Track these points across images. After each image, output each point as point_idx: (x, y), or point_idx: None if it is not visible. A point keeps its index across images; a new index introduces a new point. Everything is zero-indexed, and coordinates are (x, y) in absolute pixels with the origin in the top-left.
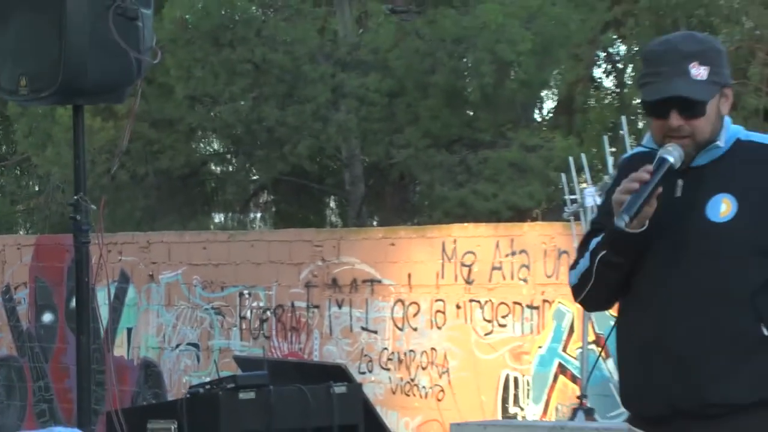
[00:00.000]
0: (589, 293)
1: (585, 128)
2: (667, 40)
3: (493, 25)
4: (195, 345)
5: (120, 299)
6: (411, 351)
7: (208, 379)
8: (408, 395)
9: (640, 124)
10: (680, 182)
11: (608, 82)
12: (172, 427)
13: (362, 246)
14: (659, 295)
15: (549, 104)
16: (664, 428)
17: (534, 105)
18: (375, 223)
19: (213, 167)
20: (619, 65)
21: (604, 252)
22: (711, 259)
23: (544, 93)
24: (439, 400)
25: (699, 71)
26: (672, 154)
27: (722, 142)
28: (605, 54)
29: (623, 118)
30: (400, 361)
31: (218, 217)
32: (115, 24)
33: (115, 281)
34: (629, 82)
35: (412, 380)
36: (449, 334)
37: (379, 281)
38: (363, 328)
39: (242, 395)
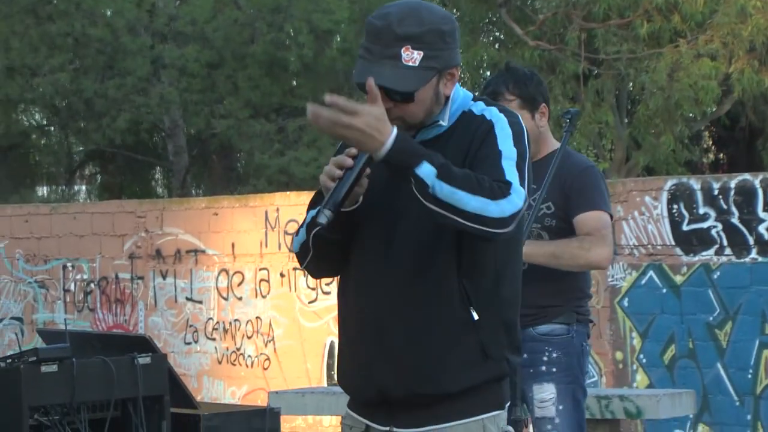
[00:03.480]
0: (311, 263)
1: None
2: (386, 15)
3: None
4: (19, 319)
5: None
6: (236, 320)
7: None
8: (234, 365)
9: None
10: None
11: None
12: None
13: (185, 216)
14: (370, 279)
15: None
16: (372, 412)
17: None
18: (201, 192)
19: (34, 139)
20: None
21: (317, 228)
22: (420, 243)
23: None
24: (265, 369)
25: (411, 56)
26: None
27: (444, 121)
28: None
29: None
30: (225, 330)
31: (42, 190)
32: None
33: None
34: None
35: (238, 349)
36: (274, 302)
37: (203, 251)
38: (188, 299)
39: (44, 368)
